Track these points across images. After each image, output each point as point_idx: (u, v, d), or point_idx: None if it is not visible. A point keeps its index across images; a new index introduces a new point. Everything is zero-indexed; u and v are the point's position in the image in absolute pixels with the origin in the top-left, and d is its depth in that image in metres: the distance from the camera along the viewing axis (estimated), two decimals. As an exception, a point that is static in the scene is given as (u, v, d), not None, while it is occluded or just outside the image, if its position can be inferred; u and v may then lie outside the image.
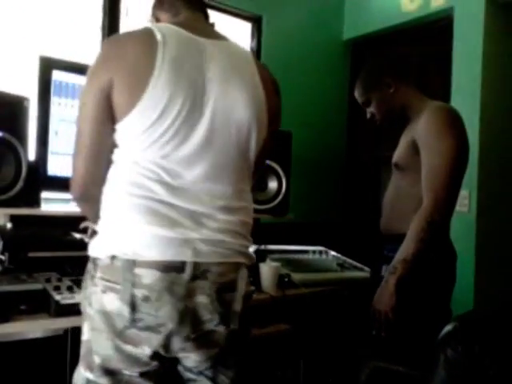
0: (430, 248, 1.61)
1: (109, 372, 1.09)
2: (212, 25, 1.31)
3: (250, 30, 2.86)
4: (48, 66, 1.78)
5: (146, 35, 1.12)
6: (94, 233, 1.20)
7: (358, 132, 3.15)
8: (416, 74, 2.65)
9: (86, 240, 1.32)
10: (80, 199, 1.22)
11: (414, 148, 1.70)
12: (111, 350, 1.08)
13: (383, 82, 1.81)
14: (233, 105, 1.16)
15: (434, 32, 2.76)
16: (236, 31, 2.80)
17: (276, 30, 2.86)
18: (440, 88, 2.64)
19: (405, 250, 1.60)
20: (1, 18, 2.01)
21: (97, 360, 1.09)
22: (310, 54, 3.01)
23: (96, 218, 1.18)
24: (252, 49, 2.84)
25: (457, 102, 2.41)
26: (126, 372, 1.09)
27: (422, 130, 1.68)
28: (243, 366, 1.23)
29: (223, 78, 1.16)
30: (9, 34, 2.03)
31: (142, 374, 1.10)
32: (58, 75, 1.80)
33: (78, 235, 1.59)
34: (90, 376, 1.10)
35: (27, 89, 1.79)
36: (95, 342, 1.10)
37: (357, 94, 1.89)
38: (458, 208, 1.85)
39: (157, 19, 1.32)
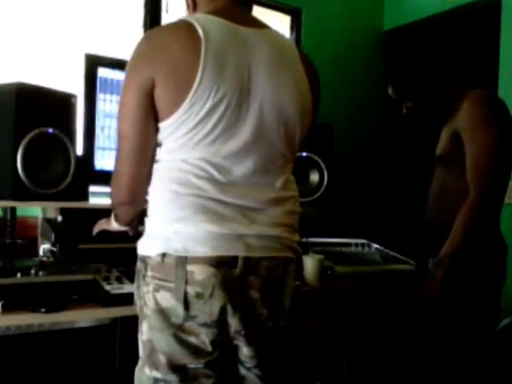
0: (479, 241, 1.57)
1: (175, 368, 1.09)
2: (251, 9, 1.25)
3: (289, 23, 2.85)
4: (93, 63, 1.82)
5: (187, 29, 1.08)
6: (137, 230, 1.21)
7: (399, 124, 3.08)
8: (460, 64, 2.57)
9: (131, 234, 1.33)
10: (129, 203, 1.20)
11: (457, 140, 1.65)
12: (175, 344, 1.08)
13: (422, 77, 1.76)
14: (280, 96, 1.14)
15: (480, 20, 2.67)
16: (275, 24, 2.79)
17: (315, 22, 2.84)
18: (487, 77, 2.56)
19: (452, 242, 1.57)
20: (47, 18, 2.07)
21: (162, 358, 1.10)
22: (350, 46, 2.98)
23: (132, 221, 1.20)
24: (293, 39, 2.82)
25: (505, 90, 2.33)
26: (192, 365, 1.10)
27: (464, 120, 1.63)
28: (289, 360, 1.23)
29: (270, 70, 1.13)
30: (55, 32, 2.08)
31: (207, 365, 1.10)
32: (103, 72, 1.84)
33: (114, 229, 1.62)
34: (158, 375, 1.10)
35: (73, 86, 1.82)
36: (157, 340, 1.10)
37: (392, 89, 1.84)
38: (507, 200, 1.79)
39: (194, 4, 1.25)
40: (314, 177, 2.16)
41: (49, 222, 1.68)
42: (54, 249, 1.56)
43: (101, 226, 1.45)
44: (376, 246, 2.26)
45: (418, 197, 2.41)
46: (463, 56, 2.68)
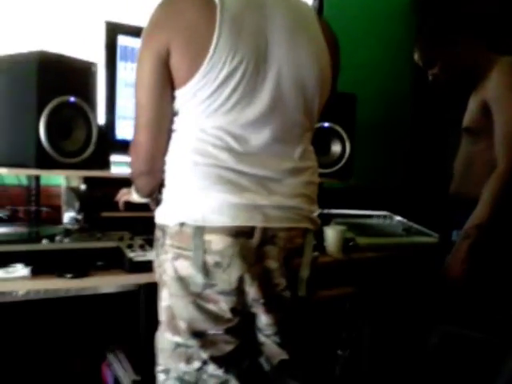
0: (506, 214, 1.54)
1: (196, 333, 1.11)
2: None
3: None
4: (113, 30, 1.80)
5: None
6: (158, 202, 1.21)
7: (425, 94, 3.02)
8: (490, 30, 2.49)
9: (153, 208, 1.34)
10: (147, 173, 1.20)
11: (486, 110, 1.61)
12: (194, 311, 1.10)
13: (449, 40, 1.71)
14: (298, 62, 1.12)
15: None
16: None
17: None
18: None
19: (479, 214, 1.54)
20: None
21: (182, 324, 1.11)
22: (374, 13, 2.89)
23: (151, 192, 1.20)
24: (314, 8, 2.75)
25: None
26: (212, 331, 1.11)
27: (494, 89, 1.58)
28: (308, 330, 1.24)
29: (287, 37, 1.11)
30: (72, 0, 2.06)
31: (227, 331, 1.12)
32: (123, 40, 1.82)
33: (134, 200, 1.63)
34: (179, 339, 1.12)
35: (93, 54, 1.81)
36: (177, 307, 1.12)
37: (418, 54, 1.79)
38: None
39: None
40: (336, 148, 2.13)
41: (72, 190, 1.70)
42: (78, 216, 1.58)
43: (123, 197, 1.46)
44: (398, 217, 2.24)
45: (442, 168, 2.38)
46: (493, 21, 2.58)
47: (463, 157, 1.75)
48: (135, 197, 1.34)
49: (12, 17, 1.93)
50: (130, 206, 1.47)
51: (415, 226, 2.15)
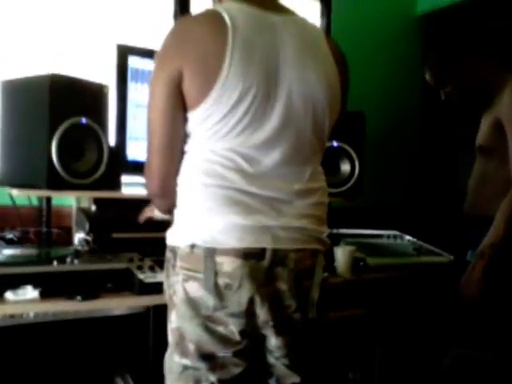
0: None
1: (204, 356, 1.10)
2: None
3: (320, 9, 2.80)
4: (124, 53, 1.82)
5: (214, 19, 1.08)
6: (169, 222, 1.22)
7: (433, 112, 3.02)
8: (500, 49, 2.49)
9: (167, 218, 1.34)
10: (161, 195, 1.21)
11: (499, 128, 1.60)
12: (203, 333, 1.10)
13: (461, 59, 1.71)
14: (308, 85, 1.13)
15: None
16: (304, 10, 2.74)
17: (346, 8, 2.78)
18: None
19: (493, 234, 1.53)
20: (78, 9, 2.08)
21: (191, 346, 1.11)
22: (382, 32, 2.91)
23: (169, 210, 1.20)
24: (323, 28, 2.78)
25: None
26: (221, 354, 1.11)
27: (506, 108, 1.58)
28: (318, 352, 1.23)
29: (297, 58, 1.12)
30: (86, 23, 2.09)
31: (236, 354, 1.11)
32: (134, 62, 1.85)
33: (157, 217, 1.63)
34: (187, 362, 1.12)
35: (104, 76, 1.83)
36: (186, 329, 1.12)
37: (429, 74, 1.78)
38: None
39: None
40: (345, 167, 2.13)
41: (83, 211, 1.70)
42: (89, 238, 1.58)
43: (146, 213, 1.47)
44: (409, 237, 2.22)
45: (452, 187, 2.37)
46: (503, 40, 2.58)
47: (477, 175, 1.74)
48: (157, 213, 1.35)
49: (25, 40, 1.96)
50: (140, 226, 1.48)
51: (425, 245, 2.13)
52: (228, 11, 1.09)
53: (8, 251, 1.50)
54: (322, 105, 1.15)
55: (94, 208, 1.68)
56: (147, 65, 1.84)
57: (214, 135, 1.09)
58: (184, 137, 1.15)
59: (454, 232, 1.82)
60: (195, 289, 1.09)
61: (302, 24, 1.19)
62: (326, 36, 1.23)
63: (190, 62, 1.07)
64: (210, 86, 1.05)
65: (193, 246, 1.09)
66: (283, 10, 1.18)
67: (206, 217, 1.09)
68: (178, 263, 1.12)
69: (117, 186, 1.72)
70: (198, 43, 1.07)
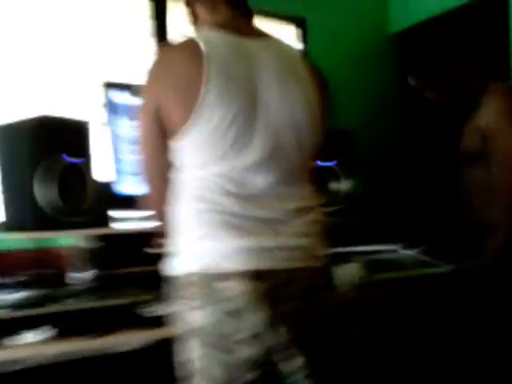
0: None
1: None
2: (252, 19, 1.26)
3: (295, 33, 2.84)
4: (110, 89, 1.83)
5: (191, 48, 1.10)
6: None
7: (417, 123, 3.05)
8: (474, 59, 2.55)
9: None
10: (160, 220, 1.23)
11: (482, 135, 1.63)
12: (214, 363, 1.07)
13: (443, 65, 1.75)
14: (290, 106, 1.14)
15: (490, 13, 2.65)
16: (280, 34, 2.78)
17: (321, 30, 2.83)
18: (499, 70, 2.53)
19: (498, 240, 1.54)
20: (60, 49, 2.09)
21: (203, 377, 1.09)
22: (359, 51, 2.96)
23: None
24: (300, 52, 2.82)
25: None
26: (237, 382, 1.08)
27: (490, 115, 1.61)
28: (330, 372, 1.20)
29: (276, 81, 1.14)
30: (72, 62, 2.11)
31: (249, 381, 1.09)
32: (121, 98, 1.86)
33: (155, 250, 1.62)
34: None
35: (89, 113, 1.84)
36: (196, 359, 1.10)
37: (412, 78, 1.82)
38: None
39: (194, 13, 1.28)
40: (340, 186, 2.14)
41: (83, 250, 1.68)
42: (90, 276, 1.56)
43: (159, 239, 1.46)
44: (408, 251, 2.23)
45: (448, 196, 2.38)
46: (474, 52, 2.65)
47: (472, 182, 1.75)
48: None
49: (17, 82, 1.97)
50: (140, 261, 1.46)
51: (425, 257, 2.14)
52: (203, 38, 1.11)
53: (11, 295, 1.47)
54: (306, 125, 1.16)
55: (92, 245, 1.66)
56: (133, 100, 1.85)
57: (203, 161, 1.10)
58: (169, 164, 1.17)
59: (455, 241, 1.82)
60: (200, 318, 1.07)
61: (279, 47, 1.22)
62: (303, 57, 1.26)
63: (169, 93, 1.10)
64: (189, 114, 1.07)
65: (195, 274, 1.08)
66: (260, 35, 1.21)
67: (204, 243, 1.08)
68: (182, 293, 1.10)
69: (112, 221, 1.70)
70: (175, 74, 1.10)
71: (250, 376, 1.08)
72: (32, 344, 1.22)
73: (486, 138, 1.62)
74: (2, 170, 1.60)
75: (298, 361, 1.12)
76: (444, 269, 2.00)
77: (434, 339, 1.87)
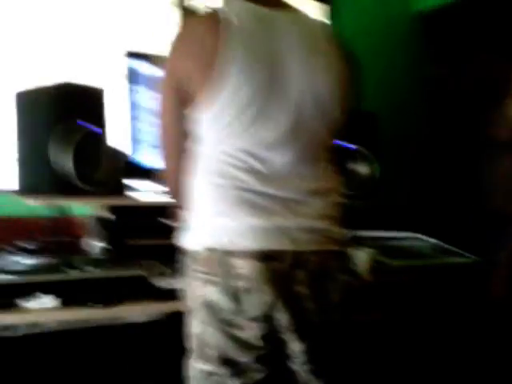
0: None
1: (226, 361, 1.09)
2: None
3: (322, 9, 2.78)
4: (132, 58, 1.82)
5: (216, 20, 1.09)
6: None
7: (445, 109, 2.97)
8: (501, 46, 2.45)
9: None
10: (175, 194, 1.24)
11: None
12: (223, 339, 1.08)
13: (472, 52, 1.69)
14: (315, 81, 1.12)
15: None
16: (305, 9, 2.72)
17: (350, 9, 2.76)
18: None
19: None
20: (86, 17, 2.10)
21: (212, 352, 1.09)
22: (388, 32, 2.89)
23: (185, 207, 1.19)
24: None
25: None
26: (242, 359, 1.09)
27: None
28: (343, 356, 1.20)
29: (301, 54, 1.12)
30: (95, 31, 2.11)
31: (257, 359, 1.09)
32: (142, 67, 1.85)
33: (170, 222, 1.62)
34: (210, 368, 1.10)
35: (108, 80, 1.86)
36: (206, 334, 1.10)
37: (440, 65, 1.77)
38: None
39: None
40: (361, 169, 2.10)
41: (99, 219, 1.70)
42: (105, 245, 1.58)
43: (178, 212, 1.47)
44: (429, 239, 2.19)
45: (471, 186, 2.32)
46: (501, 39, 2.54)
47: (504, 172, 1.70)
48: None
49: (35, 50, 1.99)
50: (156, 233, 1.47)
51: (446, 246, 2.10)
52: (230, 11, 1.10)
53: (26, 260, 1.50)
54: (330, 100, 1.14)
55: (109, 216, 1.67)
56: (155, 71, 1.85)
57: (225, 136, 1.09)
58: (186, 135, 1.16)
59: (476, 232, 1.78)
60: (214, 293, 1.07)
61: (305, 20, 1.20)
62: (330, 31, 1.24)
63: (194, 63, 1.09)
64: (213, 87, 1.06)
65: (210, 250, 1.08)
66: (286, 7, 1.19)
67: (222, 219, 1.08)
68: (196, 267, 1.11)
69: (125, 191, 1.70)
70: (200, 46, 1.09)
71: (256, 354, 1.09)
72: (45, 309, 1.24)
73: None
74: (19, 135, 1.61)
75: (301, 345, 1.12)
76: (466, 259, 1.96)
77: (446, 330, 1.84)
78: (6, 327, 1.20)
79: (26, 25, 1.98)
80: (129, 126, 1.80)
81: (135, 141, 1.81)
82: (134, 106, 1.81)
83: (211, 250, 1.07)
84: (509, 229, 1.57)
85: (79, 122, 1.52)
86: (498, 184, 1.72)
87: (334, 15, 2.75)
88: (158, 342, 1.38)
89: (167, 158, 1.21)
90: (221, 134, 1.09)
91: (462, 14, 2.78)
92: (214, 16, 1.10)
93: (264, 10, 1.12)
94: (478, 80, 1.72)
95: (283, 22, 1.13)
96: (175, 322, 1.31)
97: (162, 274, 1.44)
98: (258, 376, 1.10)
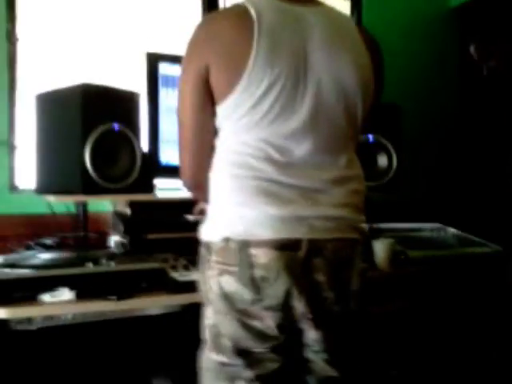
0: None
1: (241, 352, 1.09)
2: None
3: (350, 6, 2.77)
4: (154, 60, 1.86)
5: (240, 12, 1.09)
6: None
7: (472, 101, 2.90)
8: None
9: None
10: (192, 188, 1.25)
11: None
12: (239, 329, 1.08)
13: (508, 33, 1.64)
14: (338, 72, 1.11)
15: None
16: (333, 3, 2.71)
17: (372, 2, 2.73)
18: None
19: None
20: (107, 19, 2.14)
21: (227, 342, 1.09)
22: (415, 24, 2.85)
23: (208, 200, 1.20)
24: (353, 18, 2.75)
25: None
26: (257, 350, 1.09)
27: None
28: (359, 346, 1.19)
29: (326, 46, 1.11)
30: (115, 32, 2.15)
31: (273, 349, 1.09)
32: (163, 68, 1.88)
33: (192, 217, 1.64)
34: (223, 359, 1.10)
35: (135, 84, 1.87)
36: (221, 324, 1.10)
37: (475, 47, 1.72)
38: None
39: None
40: (383, 160, 2.07)
41: (118, 214, 1.74)
42: (124, 240, 1.61)
43: (200, 206, 1.49)
44: (451, 229, 2.14)
45: (492, 178, 2.26)
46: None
47: None
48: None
49: (57, 52, 2.04)
50: (174, 227, 1.49)
51: (470, 236, 2.05)
52: (253, 3, 1.09)
53: (46, 255, 1.54)
54: (354, 92, 1.13)
55: (128, 211, 1.71)
56: (177, 71, 1.87)
57: (244, 126, 1.09)
58: (214, 132, 1.15)
59: (499, 222, 1.73)
60: (230, 283, 1.07)
61: (330, 14, 1.18)
62: (357, 24, 1.22)
63: (216, 56, 1.08)
64: (237, 77, 1.05)
65: (227, 240, 1.08)
66: (311, 2, 1.17)
67: (239, 209, 1.08)
68: (213, 258, 1.11)
69: (150, 189, 1.74)
70: (223, 37, 1.08)
71: (272, 343, 1.09)
72: (60, 302, 1.26)
73: None
74: (39, 135, 1.66)
75: (318, 333, 1.11)
76: (490, 248, 1.90)
77: (465, 321, 1.80)
78: (21, 321, 1.23)
79: (46, 27, 2.03)
80: (153, 127, 1.83)
81: (159, 140, 1.84)
82: (155, 107, 1.84)
83: (228, 240, 1.07)
84: None
85: (110, 122, 1.56)
86: None
87: (363, 8, 2.72)
88: (174, 334, 1.40)
89: (184, 152, 1.19)
90: (238, 123, 1.09)
91: (493, 5, 2.72)
92: (241, 9, 1.09)
93: (288, 5, 1.12)
94: (505, 67, 1.66)
95: (308, 16, 1.12)
96: (192, 314, 1.33)
97: (179, 267, 1.45)
98: (273, 366, 1.09)
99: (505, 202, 1.70)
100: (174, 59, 1.85)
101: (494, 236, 1.94)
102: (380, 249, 1.72)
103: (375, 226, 2.01)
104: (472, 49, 1.74)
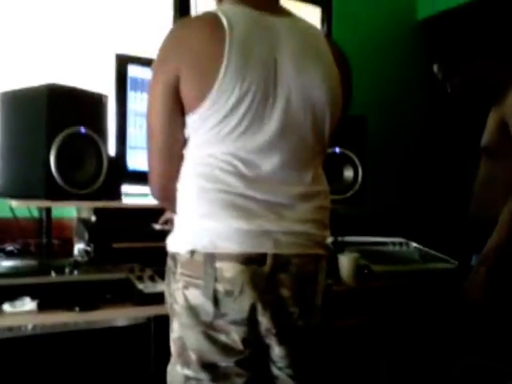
0: None
1: (206, 366, 1.08)
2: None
3: (320, 15, 2.79)
4: (124, 62, 1.82)
5: (211, 21, 1.07)
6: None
7: (437, 115, 2.99)
8: (500, 50, 2.47)
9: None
10: (162, 199, 1.22)
11: (505, 129, 1.58)
12: (204, 342, 1.07)
13: (472, 53, 1.69)
14: (308, 86, 1.11)
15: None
16: (304, 16, 2.73)
17: (346, 13, 2.78)
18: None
19: (497, 237, 1.50)
20: (76, 19, 2.09)
21: (192, 356, 1.09)
22: (383, 36, 2.91)
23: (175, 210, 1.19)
24: (323, 31, 2.77)
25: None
26: (223, 364, 1.08)
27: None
28: (323, 361, 1.20)
29: (296, 59, 1.11)
30: (84, 33, 2.10)
31: (238, 363, 1.09)
32: (133, 71, 1.84)
33: (158, 226, 1.62)
34: (189, 372, 1.09)
35: (103, 86, 1.82)
36: (187, 337, 1.09)
37: (438, 65, 1.76)
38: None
39: None
40: (349, 173, 2.10)
41: (83, 221, 1.69)
42: (89, 248, 1.57)
43: (166, 215, 1.49)
44: (415, 244, 2.19)
45: (457, 192, 2.33)
46: (500, 43, 2.55)
47: (482, 178, 1.71)
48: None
49: (23, 51, 1.98)
50: (140, 236, 1.46)
51: (432, 252, 2.10)
52: (225, 13, 1.08)
53: (7, 263, 1.49)
54: (323, 106, 1.13)
55: (93, 218, 1.67)
56: (147, 74, 1.84)
57: (212, 139, 1.08)
58: (183, 141, 1.14)
59: (459, 236, 1.79)
60: (196, 296, 1.07)
61: (301, 26, 1.19)
62: (326, 37, 1.22)
63: (186, 64, 1.06)
64: (207, 88, 1.04)
65: (193, 252, 1.07)
66: (282, 12, 1.18)
67: (205, 221, 1.07)
68: (179, 270, 1.10)
69: (117, 195, 1.70)
70: (194, 45, 1.07)
71: (237, 358, 1.08)
72: (28, 312, 1.23)
73: (507, 131, 1.57)
74: (4, 137, 1.60)
75: (282, 349, 1.12)
76: (451, 264, 1.97)
77: (426, 335, 1.85)
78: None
79: (13, 25, 1.97)
80: (120, 131, 1.80)
81: (126, 145, 1.81)
82: (124, 110, 1.81)
83: (194, 253, 1.07)
84: (481, 234, 1.58)
85: (76, 125, 1.52)
86: (485, 189, 1.72)
87: (330, 20, 2.75)
88: (140, 346, 1.37)
89: (153, 159, 1.17)
90: (207, 135, 1.08)
91: (461, 19, 2.80)
92: (212, 18, 1.08)
93: (260, 15, 1.11)
94: (476, 82, 1.72)
95: (280, 27, 1.12)
96: (158, 327, 1.31)
97: (146, 278, 1.43)
98: (239, 381, 1.09)
99: (464, 218, 1.77)
100: (144, 62, 1.83)
101: (453, 251, 2.00)
102: (345, 263, 1.75)
103: (340, 239, 2.04)
104: (435, 68, 1.78)
